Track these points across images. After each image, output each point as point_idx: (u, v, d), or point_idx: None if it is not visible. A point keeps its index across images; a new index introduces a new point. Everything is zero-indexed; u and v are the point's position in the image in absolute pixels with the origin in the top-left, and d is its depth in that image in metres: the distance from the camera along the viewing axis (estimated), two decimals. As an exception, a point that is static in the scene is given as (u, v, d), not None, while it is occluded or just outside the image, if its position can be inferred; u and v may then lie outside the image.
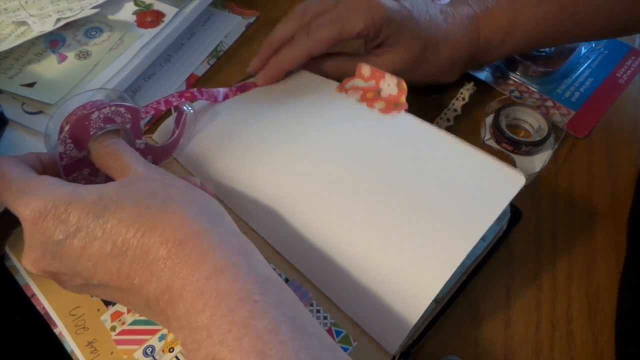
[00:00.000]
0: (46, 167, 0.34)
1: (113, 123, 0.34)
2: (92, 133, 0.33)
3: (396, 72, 0.41)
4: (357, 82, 0.43)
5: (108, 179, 0.35)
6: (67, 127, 0.33)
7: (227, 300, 0.25)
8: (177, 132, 0.41)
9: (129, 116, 0.35)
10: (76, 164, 0.34)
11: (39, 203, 0.28)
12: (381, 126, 0.39)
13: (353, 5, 0.41)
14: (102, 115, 0.34)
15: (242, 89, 0.46)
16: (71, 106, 0.34)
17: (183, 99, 0.42)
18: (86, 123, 0.33)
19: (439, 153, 0.37)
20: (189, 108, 0.41)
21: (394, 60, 0.43)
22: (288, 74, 0.46)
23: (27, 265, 0.30)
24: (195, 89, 0.43)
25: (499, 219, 0.35)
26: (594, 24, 0.43)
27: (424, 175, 0.36)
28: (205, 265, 0.26)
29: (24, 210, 0.29)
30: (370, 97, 0.42)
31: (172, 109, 0.41)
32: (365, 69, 0.42)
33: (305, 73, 0.46)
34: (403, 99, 0.40)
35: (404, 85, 0.40)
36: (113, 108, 0.34)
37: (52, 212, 0.28)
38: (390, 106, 0.41)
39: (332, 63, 0.45)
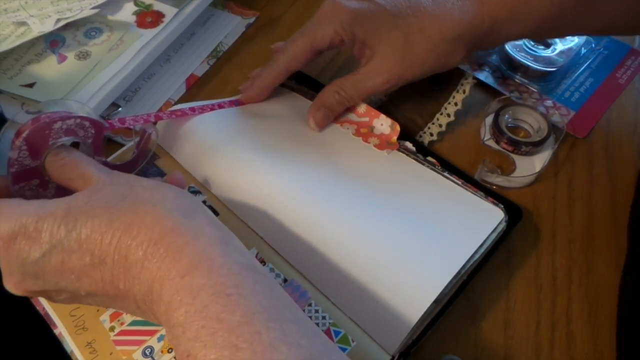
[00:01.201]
0: None
1: (74, 135, 0.33)
2: (50, 143, 0.32)
3: (393, 73, 0.41)
4: (350, 115, 0.45)
5: (58, 191, 0.34)
6: (25, 133, 0.31)
7: (201, 296, 0.24)
8: (136, 152, 0.39)
9: (93, 131, 0.34)
10: (26, 173, 0.33)
11: (5, 226, 0.28)
12: (378, 159, 0.42)
13: (320, 16, 0.42)
14: (64, 127, 0.32)
15: (236, 104, 0.46)
16: (28, 116, 0.32)
17: (174, 116, 0.41)
18: (47, 132, 0.31)
19: (436, 189, 0.40)
20: (152, 130, 0.39)
21: (384, 61, 0.42)
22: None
23: (11, 290, 0.29)
24: (188, 107, 0.43)
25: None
26: (609, 14, 0.41)
27: (419, 199, 0.39)
28: (181, 262, 0.26)
29: None
30: (364, 132, 0.44)
31: (134, 130, 0.39)
32: (362, 107, 0.44)
33: (306, 101, 0.47)
34: (394, 139, 0.43)
35: (397, 127, 0.43)
36: (78, 121, 0.33)
37: (21, 233, 0.27)
38: (383, 144, 0.43)
39: (329, 91, 0.43)
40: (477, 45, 0.43)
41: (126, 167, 0.39)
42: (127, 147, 0.42)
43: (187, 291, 0.25)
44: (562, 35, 0.47)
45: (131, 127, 0.38)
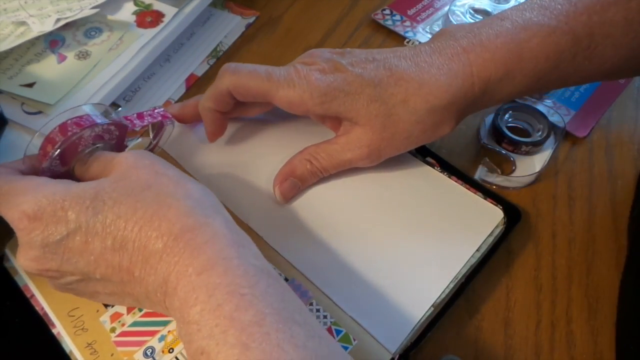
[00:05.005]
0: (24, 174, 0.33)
1: (102, 140, 0.34)
2: (79, 150, 0.33)
3: (374, 147, 0.37)
4: None
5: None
6: (58, 145, 0.32)
7: (216, 295, 0.25)
8: (153, 142, 0.40)
9: (117, 133, 0.35)
10: (54, 176, 0.33)
11: (33, 203, 0.28)
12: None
13: (293, 73, 0.36)
14: (93, 134, 0.33)
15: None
16: (56, 124, 0.32)
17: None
18: (77, 141, 0.33)
19: (436, 189, 0.40)
20: (169, 122, 0.39)
21: (364, 134, 0.37)
22: None
23: (25, 265, 0.30)
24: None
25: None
26: (612, 60, 0.37)
27: (419, 199, 0.39)
28: (198, 259, 0.26)
29: (17, 211, 0.29)
30: None
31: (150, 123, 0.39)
32: None
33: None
34: None
35: None
36: (105, 127, 0.34)
37: (48, 211, 0.28)
38: None
39: (301, 159, 0.39)
40: (470, 110, 0.38)
41: None
42: (143, 139, 0.42)
43: (203, 289, 0.25)
44: (564, 86, 0.43)
45: (150, 123, 0.38)
